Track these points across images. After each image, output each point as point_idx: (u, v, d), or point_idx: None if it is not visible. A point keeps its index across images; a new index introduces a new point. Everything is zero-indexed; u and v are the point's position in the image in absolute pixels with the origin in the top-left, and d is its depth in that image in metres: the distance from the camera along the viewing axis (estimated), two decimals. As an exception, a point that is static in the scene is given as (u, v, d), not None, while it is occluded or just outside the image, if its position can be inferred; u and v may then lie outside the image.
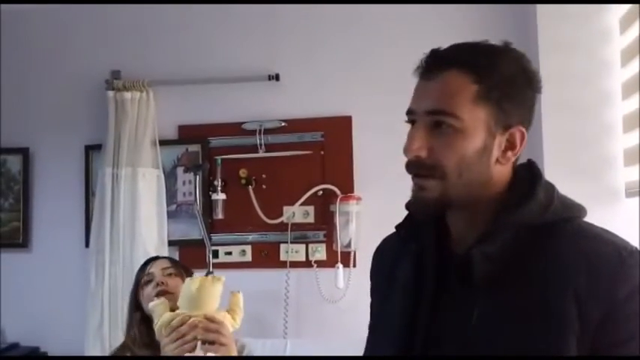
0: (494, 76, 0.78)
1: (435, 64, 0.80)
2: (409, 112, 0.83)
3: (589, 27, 1.94)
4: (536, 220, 0.79)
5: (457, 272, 0.80)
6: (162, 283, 1.67)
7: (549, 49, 1.98)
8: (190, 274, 1.73)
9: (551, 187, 0.83)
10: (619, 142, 1.89)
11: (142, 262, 1.87)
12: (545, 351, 0.72)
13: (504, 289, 0.77)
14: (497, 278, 0.77)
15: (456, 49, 0.82)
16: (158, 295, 1.62)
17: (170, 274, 1.70)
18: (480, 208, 0.82)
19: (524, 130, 0.81)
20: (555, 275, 0.74)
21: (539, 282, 0.75)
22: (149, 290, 1.68)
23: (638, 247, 0.77)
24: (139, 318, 1.69)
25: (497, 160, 0.81)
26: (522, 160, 0.88)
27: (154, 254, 2.29)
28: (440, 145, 0.79)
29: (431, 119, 0.79)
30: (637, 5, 1.73)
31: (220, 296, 1.50)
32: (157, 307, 1.51)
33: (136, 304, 1.73)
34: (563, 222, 0.80)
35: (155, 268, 1.73)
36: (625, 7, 1.83)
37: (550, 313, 0.73)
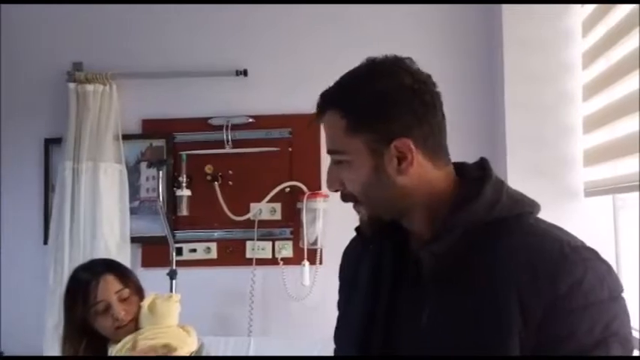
0: (358, 105, 0.84)
1: (318, 108, 0.88)
2: None
3: (552, 28, 1.98)
4: (483, 218, 0.80)
5: (410, 272, 0.82)
6: (122, 316, 1.49)
7: (513, 48, 2.02)
8: (135, 280, 1.61)
9: (500, 184, 0.84)
10: (579, 143, 1.94)
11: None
12: (489, 350, 0.73)
13: (452, 289, 0.78)
14: (446, 277, 0.78)
15: (329, 90, 0.88)
16: (118, 328, 1.49)
17: (125, 299, 1.52)
18: (426, 211, 0.84)
19: (407, 140, 0.81)
20: (500, 273, 0.75)
21: (484, 280, 0.76)
22: (107, 323, 1.50)
23: (585, 243, 0.78)
24: (88, 342, 1.52)
25: (399, 172, 0.82)
26: (475, 158, 0.90)
27: (115, 252, 2.24)
28: (344, 178, 0.87)
29: (332, 157, 0.88)
30: (599, 9, 1.78)
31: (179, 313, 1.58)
32: (121, 352, 1.47)
33: (85, 330, 1.51)
34: (514, 218, 0.81)
35: (106, 293, 1.50)
36: (587, 10, 1.88)
37: (493, 311, 0.74)
